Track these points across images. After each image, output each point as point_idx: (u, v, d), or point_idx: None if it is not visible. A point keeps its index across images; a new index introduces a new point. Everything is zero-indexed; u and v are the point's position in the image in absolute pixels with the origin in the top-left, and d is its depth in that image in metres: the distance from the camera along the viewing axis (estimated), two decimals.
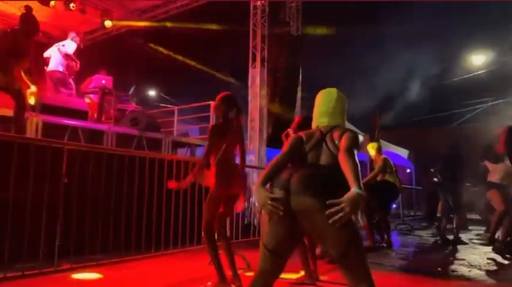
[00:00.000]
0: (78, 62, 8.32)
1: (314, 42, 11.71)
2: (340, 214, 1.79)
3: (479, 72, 17.76)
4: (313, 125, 2.35)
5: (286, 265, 2.08)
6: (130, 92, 10.46)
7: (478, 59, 17.62)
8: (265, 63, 8.80)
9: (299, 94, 9.74)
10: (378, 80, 18.73)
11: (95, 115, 8.27)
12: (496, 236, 6.23)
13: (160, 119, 10.13)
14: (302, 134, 2.27)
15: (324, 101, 2.34)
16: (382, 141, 11.18)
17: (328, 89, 2.38)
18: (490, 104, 18.93)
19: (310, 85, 10.17)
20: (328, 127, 2.23)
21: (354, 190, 1.82)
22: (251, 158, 8.08)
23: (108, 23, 10.76)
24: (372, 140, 9.78)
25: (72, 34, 8.38)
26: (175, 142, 8.43)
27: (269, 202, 1.96)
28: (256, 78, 8.66)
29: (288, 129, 4.71)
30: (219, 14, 11.41)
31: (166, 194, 4.40)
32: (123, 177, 4.23)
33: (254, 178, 7.27)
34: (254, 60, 8.88)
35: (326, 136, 2.18)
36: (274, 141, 8.83)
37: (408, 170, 17.06)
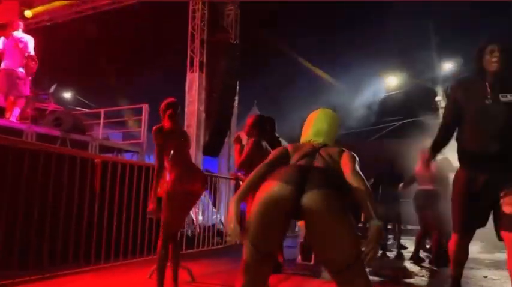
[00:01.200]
0: (37, 62, 7.00)
1: (251, 52, 11.70)
2: (370, 254, 1.68)
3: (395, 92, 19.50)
4: (303, 140, 2.19)
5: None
6: (51, 90, 9.50)
7: (393, 81, 19.34)
8: (204, 69, 8.51)
9: (236, 102, 9.58)
10: (310, 92, 19.46)
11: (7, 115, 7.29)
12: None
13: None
14: (288, 146, 2.10)
15: (320, 119, 2.21)
16: None
17: (324, 109, 2.28)
18: (401, 122, 20.68)
19: (246, 95, 10.13)
20: (321, 144, 2.08)
21: (374, 223, 1.70)
22: None
23: (28, 13, 9.72)
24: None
25: (21, 24, 6.96)
26: (102, 146, 7.75)
27: (234, 225, 1.79)
28: (194, 83, 8.32)
29: (239, 133, 4.50)
30: (155, 15, 10.92)
31: (109, 202, 3.91)
32: (61, 181, 3.67)
33: None
34: (192, 64, 8.54)
35: (320, 150, 2.02)
36: (210, 150, 8.53)
37: None
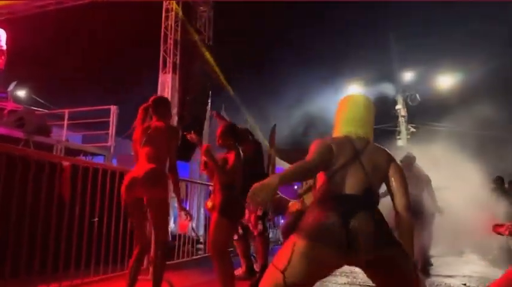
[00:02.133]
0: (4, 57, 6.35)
1: (224, 53, 11.50)
2: None
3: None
4: (342, 131, 1.96)
5: None
6: (10, 88, 8.89)
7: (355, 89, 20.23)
8: (177, 70, 8.24)
9: (209, 106, 9.35)
10: (280, 98, 19.63)
11: None
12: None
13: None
14: (331, 142, 1.85)
15: (358, 105, 1.99)
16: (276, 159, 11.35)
17: (359, 95, 2.14)
18: None
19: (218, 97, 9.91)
20: (362, 140, 1.88)
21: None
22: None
23: None
24: (268, 157, 9.70)
25: None
26: (68, 149, 7.28)
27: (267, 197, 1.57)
28: (167, 84, 8.03)
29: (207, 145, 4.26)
30: (125, 13, 10.49)
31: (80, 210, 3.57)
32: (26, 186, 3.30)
33: None
34: (165, 65, 8.24)
35: (362, 153, 1.82)
36: (182, 155, 8.24)
37: (296, 187, 17.96)
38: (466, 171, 6.95)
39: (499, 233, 2.57)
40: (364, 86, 24.54)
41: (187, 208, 5.18)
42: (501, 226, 2.46)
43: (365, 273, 1.78)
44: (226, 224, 3.34)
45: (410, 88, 24.07)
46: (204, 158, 3.97)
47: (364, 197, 1.73)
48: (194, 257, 5.49)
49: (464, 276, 5.49)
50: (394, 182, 1.82)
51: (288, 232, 6.25)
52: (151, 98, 3.51)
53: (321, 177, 1.82)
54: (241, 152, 3.75)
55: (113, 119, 8.56)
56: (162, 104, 3.44)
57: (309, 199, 6.33)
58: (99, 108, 8.97)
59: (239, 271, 5.13)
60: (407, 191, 1.81)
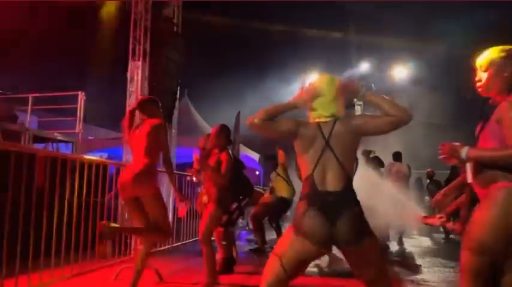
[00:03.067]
0: None
1: (193, 43, 11.49)
2: None
3: None
4: (312, 116, 2.13)
5: None
6: None
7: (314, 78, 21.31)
8: (147, 57, 8.23)
9: (178, 94, 9.39)
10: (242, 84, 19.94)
11: None
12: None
13: None
14: (298, 121, 2.09)
15: (315, 92, 2.11)
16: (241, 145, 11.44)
17: (315, 79, 2.18)
18: None
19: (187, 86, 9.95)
20: (329, 122, 2.06)
21: None
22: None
23: None
24: (233, 143, 9.76)
25: None
26: (35, 136, 7.20)
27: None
28: (137, 72, 8.02)
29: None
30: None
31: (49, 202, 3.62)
32: None
33: None
34: (135, 53, 8.21)
35: (331, 137, 2.02)
36: None
37: (257, 173, 18.32)
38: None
39: (428, 224, 2.81)
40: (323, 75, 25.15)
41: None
42: (430, 218, 2.71)
43: (340, 251, 2.07)
44: (220, 216, 3.95)
45: (366, 78, 24.93)
46: (196, 166, 4.31)
47: (345, 194, 1.97)
48: (167, 246, 5.65)
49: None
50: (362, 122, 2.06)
51: (256, 220, 6.58)
52: (137, 101, 3.71)
53: (304, 170, 2.05)
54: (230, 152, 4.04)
55: (80, 106, 8.48)
56: (149, 103, 3.62)
57: (280, 190, 6.64)
58: (67, 94, 8.84)
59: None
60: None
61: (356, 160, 2.22)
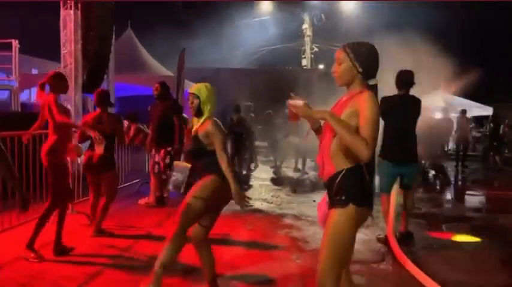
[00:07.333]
0: None
1: None
2: None
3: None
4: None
5: None
6: None
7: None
8: (79, 5, 8.40)
9: (113, 40, 9.70)
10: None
11: None
12: None
13: None
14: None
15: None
16: (187, 82, 11.60)
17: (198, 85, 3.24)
18: None
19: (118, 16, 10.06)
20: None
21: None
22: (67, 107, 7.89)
23: None
24: (178, 81, 10.07)
25: None
26: None
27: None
28: (69, 21, 8.24)
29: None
30: None
31: None
32: None
33: None
34: (66, 1, 8.34)
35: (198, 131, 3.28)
36: (88, 87, 8.78)
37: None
38: None
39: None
40: (273, 6, 25.61)
41: None
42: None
43: None
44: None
45: (316, 8, 25.23)
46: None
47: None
48: None
49: None
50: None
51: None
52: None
53: None
54: None
55: (15, 53, 8.66)
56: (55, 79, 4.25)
57: None
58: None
59: (149, 199, 6.40)
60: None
61: None
